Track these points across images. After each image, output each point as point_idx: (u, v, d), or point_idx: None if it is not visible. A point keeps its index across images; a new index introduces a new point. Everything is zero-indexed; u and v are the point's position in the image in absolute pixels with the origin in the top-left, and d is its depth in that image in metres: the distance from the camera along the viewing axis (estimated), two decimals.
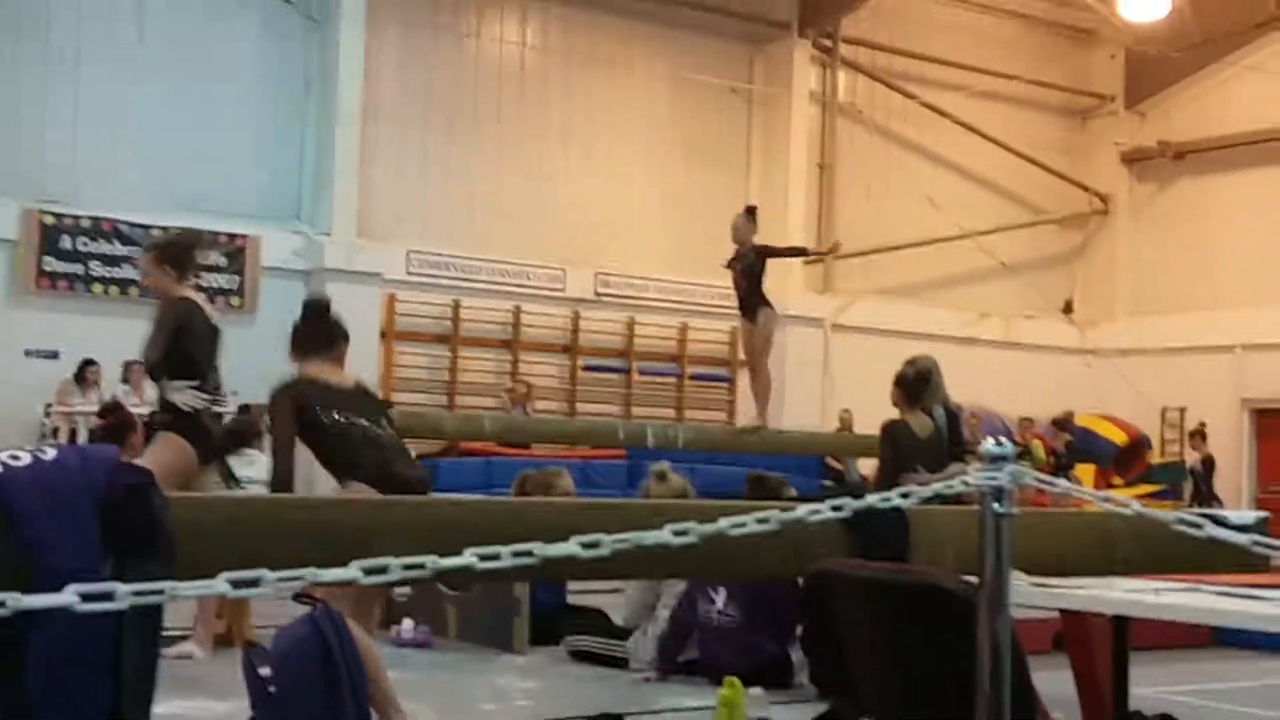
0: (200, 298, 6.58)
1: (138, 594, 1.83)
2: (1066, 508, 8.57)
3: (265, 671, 4.07)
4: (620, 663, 7.21)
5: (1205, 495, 17.63)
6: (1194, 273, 20.01)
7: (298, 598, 4.76)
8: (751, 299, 9.34)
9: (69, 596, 1.79)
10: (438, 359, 16.39)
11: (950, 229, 19.37)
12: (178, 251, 6.59)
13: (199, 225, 14.84)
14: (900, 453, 7.07)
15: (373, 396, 5.58)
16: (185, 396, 6.27)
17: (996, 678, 2.49)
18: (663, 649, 6.95)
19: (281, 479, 5.32)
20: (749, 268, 9.28)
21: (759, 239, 9.48)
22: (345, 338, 5.65)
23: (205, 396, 6.33)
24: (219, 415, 6.75)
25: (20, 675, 2.39)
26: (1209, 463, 18.29)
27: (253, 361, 14.23)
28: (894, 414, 7.29)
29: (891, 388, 7.30)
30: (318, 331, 5.56)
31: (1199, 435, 18.67)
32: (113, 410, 8.62)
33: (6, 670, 2.42)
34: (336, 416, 5.29)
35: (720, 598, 6.77)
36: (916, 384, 7.20)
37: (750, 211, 9.52)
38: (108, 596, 1.82)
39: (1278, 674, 7.05)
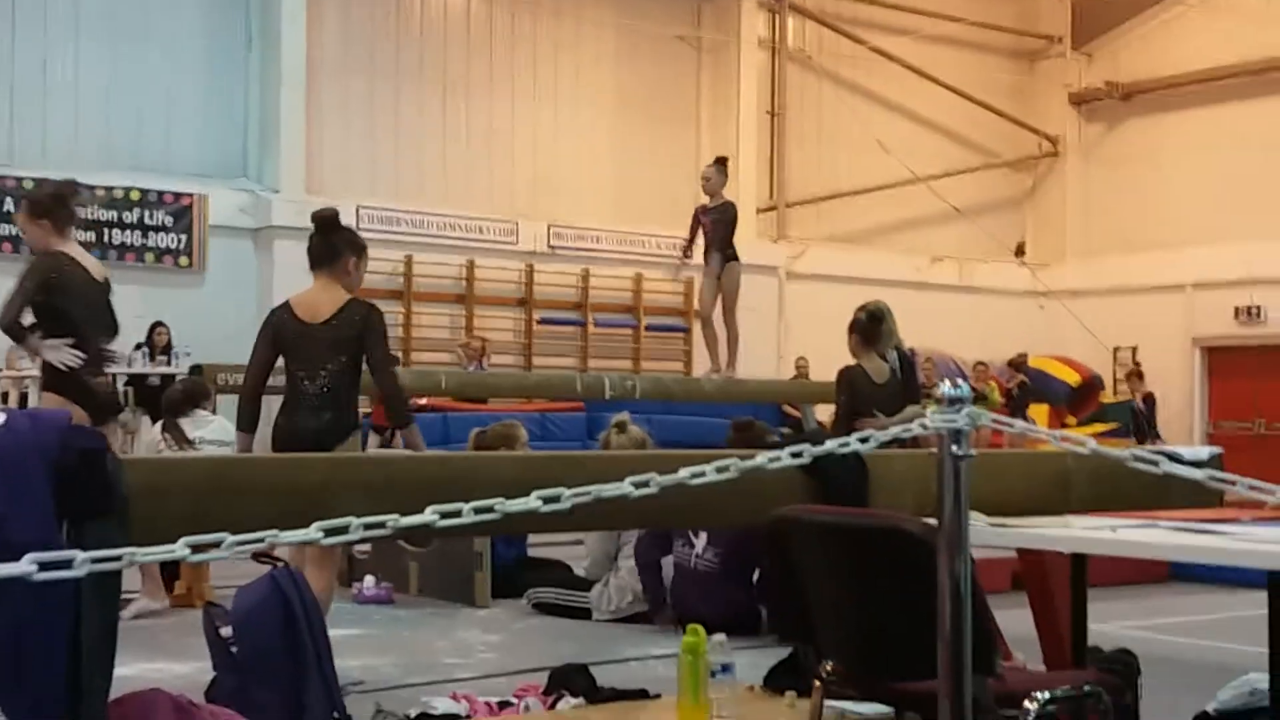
0: (79, 251, 6.28)
1: (96, 560, 1.80)
2: (1023, 448, 8.65)
3: (226, 632, 4.05)
4: (583, 613, 7.24)
5: (1148, 432, 17.81)
6: (1144, 213, 20.14)
7: (257, 557, 4.74)
8: (722, 251, 9.43)
9: (25, 565, 1.76)
10: (391, 315, 16.26)
11: (901, 174, 19.39)
12: (49, 203, 6.21)
13: (144, 185, 14.74)
14: (857, 398, 7.11)
15: (345, 327, 5.35)
16: (61, 355, 5.98)
17: (957, 619, 2.51)
18: (648, 589, 6.97)
19: (244, 408, 5.46)
20: (719, 220, 9.36)
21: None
22: (354, 249, 5.56)
23: (81, 354, 6.02)
24: (106, 373, 6.52)
25: None
26: (1150, 400, 18.50)
27: (202, 320, 14.27)
28: (849, 360, 7.32)
29: (847, 334, 7.33)
30: (319, 247, 5.54)
31: (1136, 375, 18.86)
32: None
33: None
34: (292, 367, 5.37)
35: (700, 543, 6.80)
36: (871, 329, 7.23)
37: (721, 162, 9.61)
38: (65, 564, 1.79)
39: (1234, 607, 7.15)
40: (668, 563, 6.98)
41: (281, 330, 5.37)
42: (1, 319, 6.05)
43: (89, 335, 6.12)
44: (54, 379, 6.05)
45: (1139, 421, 18.00)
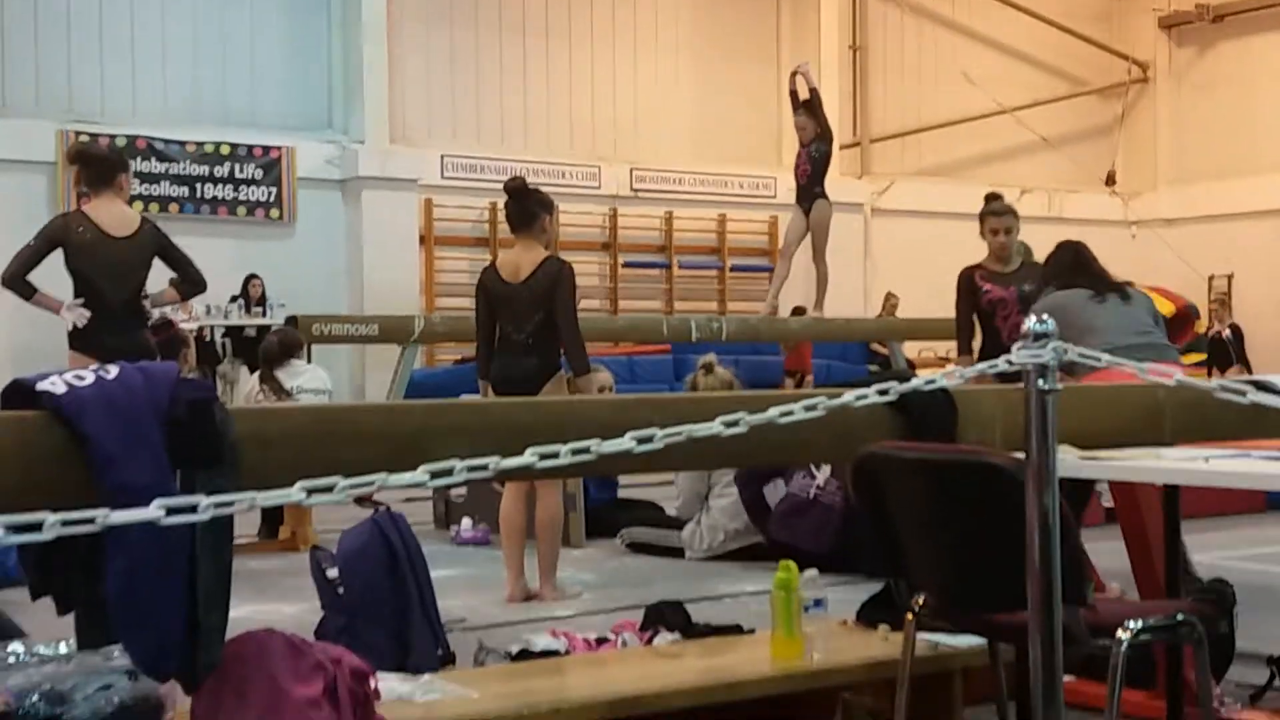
0: (106, 210, 6.27)
1: (219, 505, 1.89)
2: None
3: (333, 574, 4.18)
4: (676, 552, 7.33)
5: (1235, 362, 17.37)
6: (1237, 137, 19.70)
7: (360, 501, 4.87)
8: (810, 188, 9.59)
9: (154, 510, 1.85)
10: (478, 261, 16.35)
11: (987, 105, 19.12)
12: (78, 159, 6.62)
13: (231, 139, 14.96)
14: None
15: (542, 284, 5.99)
16: (73, 314, 6.16)
17: (1046, 552, 2.54)
18: (754, 518, 7.03)
19: (479, 361, 6.28)
20: (814, 154, 9.58)
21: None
22: (545, 208, 6.18)
23: (87, 312, 6.15)
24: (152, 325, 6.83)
25: (98, 594, 2.47)
26: (1236, 330, 18.12)
27: (295, 272, 14.50)
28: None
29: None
30: (515, 212, 6.15)
31: (1223, 304, 18.46)
32: (163, 328, 8.71)
33: (85, 590, 2.50)
34: (500, 321, 6.09)
35: (822, 475, 6.82)
36: None
37: (806, 105, 9.88)
38: (191, 509, 1.88)
39: None
40: (770, 491, 6.99)
41: (490, 290, 6.09)
42: (4, 274, 6.30)
43: (101, 292, 6.22)
44: (72, 336, 6.26)
45: (1224, 352, 17.54)
